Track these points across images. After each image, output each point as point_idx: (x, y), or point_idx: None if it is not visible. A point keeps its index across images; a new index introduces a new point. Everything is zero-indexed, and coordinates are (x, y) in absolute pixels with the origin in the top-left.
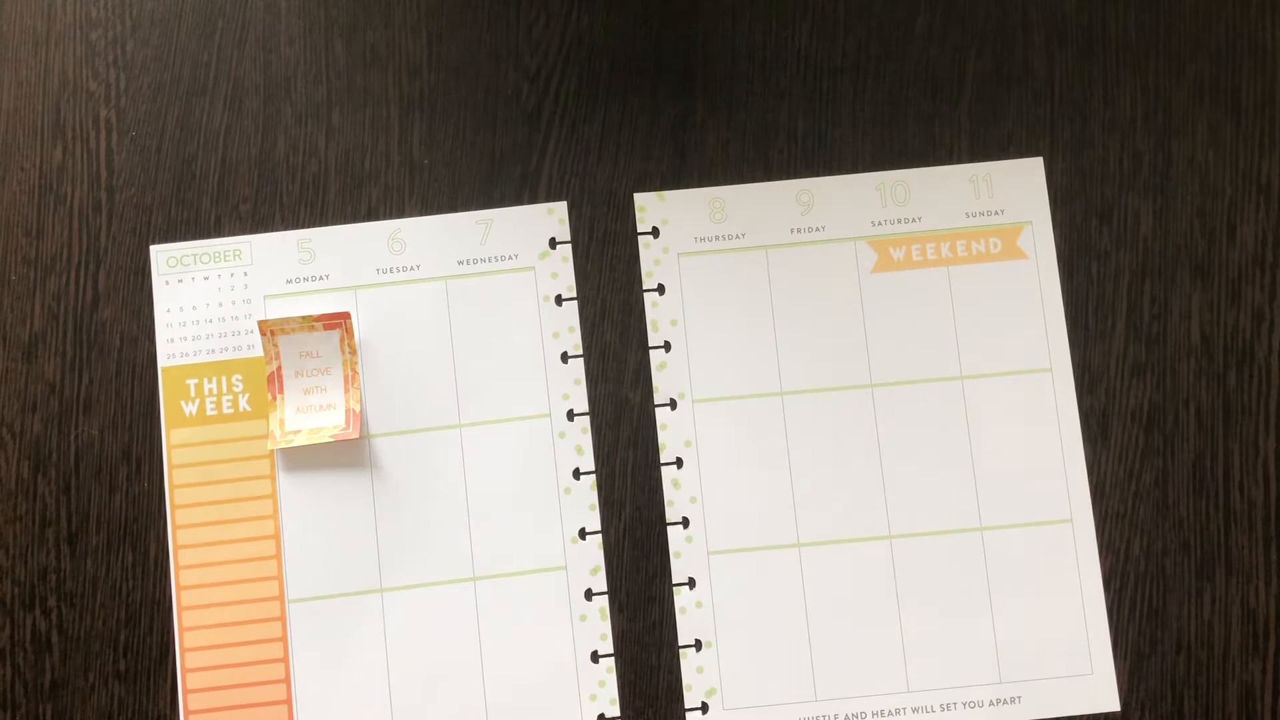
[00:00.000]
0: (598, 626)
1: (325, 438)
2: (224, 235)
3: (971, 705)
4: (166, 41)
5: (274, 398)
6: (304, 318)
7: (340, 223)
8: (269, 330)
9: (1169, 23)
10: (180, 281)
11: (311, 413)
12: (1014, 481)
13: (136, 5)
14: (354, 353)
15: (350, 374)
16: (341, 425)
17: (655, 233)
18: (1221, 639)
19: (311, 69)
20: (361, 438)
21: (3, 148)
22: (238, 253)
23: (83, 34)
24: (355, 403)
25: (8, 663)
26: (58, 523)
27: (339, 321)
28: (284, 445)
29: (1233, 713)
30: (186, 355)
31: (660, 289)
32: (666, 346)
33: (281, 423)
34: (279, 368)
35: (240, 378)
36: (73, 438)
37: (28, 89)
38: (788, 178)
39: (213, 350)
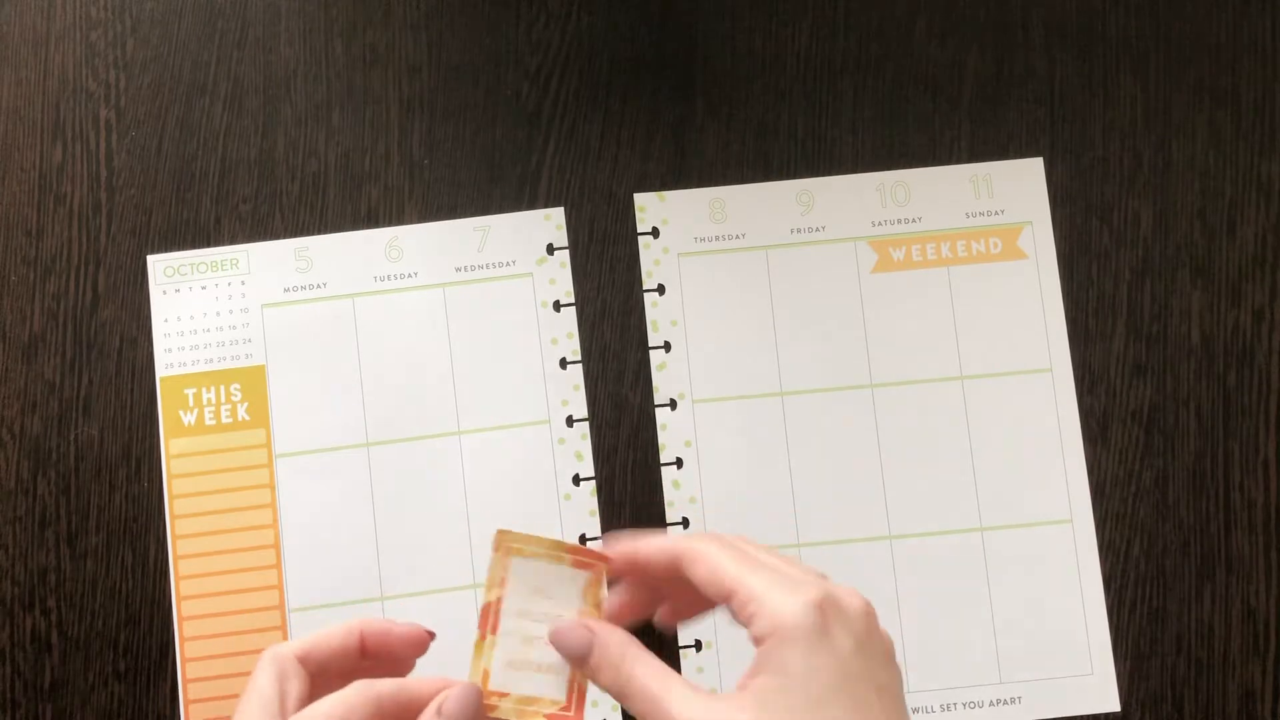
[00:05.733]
0: None
1: (537, 716)
2: (224, 235)
3: (971, 705)
4: (166, 41)
5: (483, 637)
6: (554, 543)
7: (340, 223)
8: (504, 545)
9: (1169, 23)
10: (178, 291)
11: (526, 672)
12: (1014, 481)
13: (136, 5)
14: (599, 608)
15: None
16: (561, 702)
17: (655, 233)
18: (1221, 639)
19: (311, 69)
20: (362, 445)
21: (3, 148)
22: (235, 261)
23: (83, 34)
24: (585, 677)
25: (8, 663)
26: (57, 523)
27: (592, 563)
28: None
29: (1233, 713)
30: (185, 365)
31: (660, 289)
32: (666, 347)
33: (486, 675)
34: (499, 599)
35: (239, 386)
36: (72, 438)
37: (28, 89)
38: (788, 178)
39: (211, 360)
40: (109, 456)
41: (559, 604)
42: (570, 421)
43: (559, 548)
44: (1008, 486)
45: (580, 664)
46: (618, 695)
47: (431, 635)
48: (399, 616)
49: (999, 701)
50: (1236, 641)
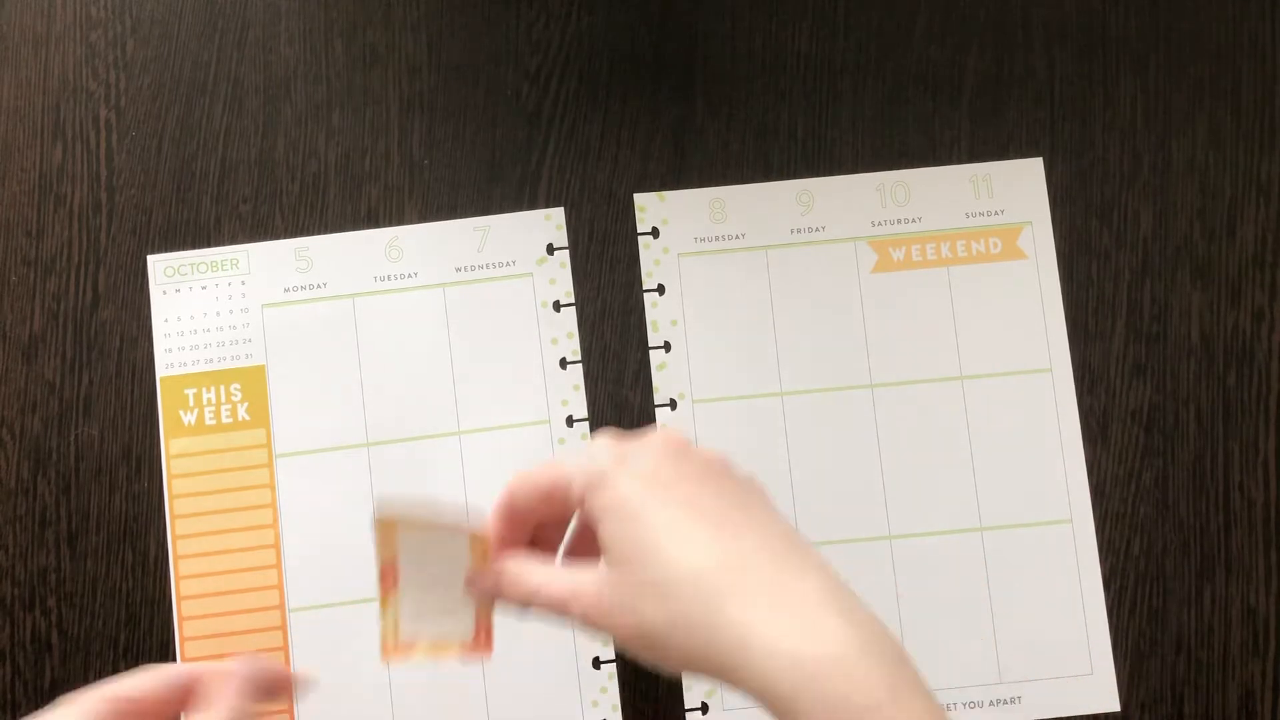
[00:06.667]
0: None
1: (451, 654)
2: (224, 235)
3: (971, 705)
4: (166, 41)
5: (386, 594)
6: (429, 519)
7: (340, 223)
8: (386, 520)
9: (1169, 23)
10: (178, 291)
11: (432, 619)
12: (1014, 481)
13: (136, 5)
14: (485, 554)
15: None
16: (469, 640)
17: (655, 233)
18: (1221, 639)
19: (311, 69)
20: (363, 445)
21: (3, 148)
22: (235, 261)
23: (83, 34)
24: (488, 612)
25: (8, 663)
26: (58, 523)
27: (473, 527)
28: (399, 659)
29: (1233, 713)
30: (185, 365)
31: (660, 289)
32: (666, 347)
33: (396, 627)
34: (394, 557)
35: (239, 386)
36: (73, 438)
37: (28, 89)
38: (788, 178)
39: (211, 360)
40: (109, 456)
41: (451, 550)
42: (570, 421)
43: (433, 523)
44: (1008, 486)
45: (499, 595)
46: (529, 603)
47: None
48: None
49: (999, 701)
50: (1236, 641)
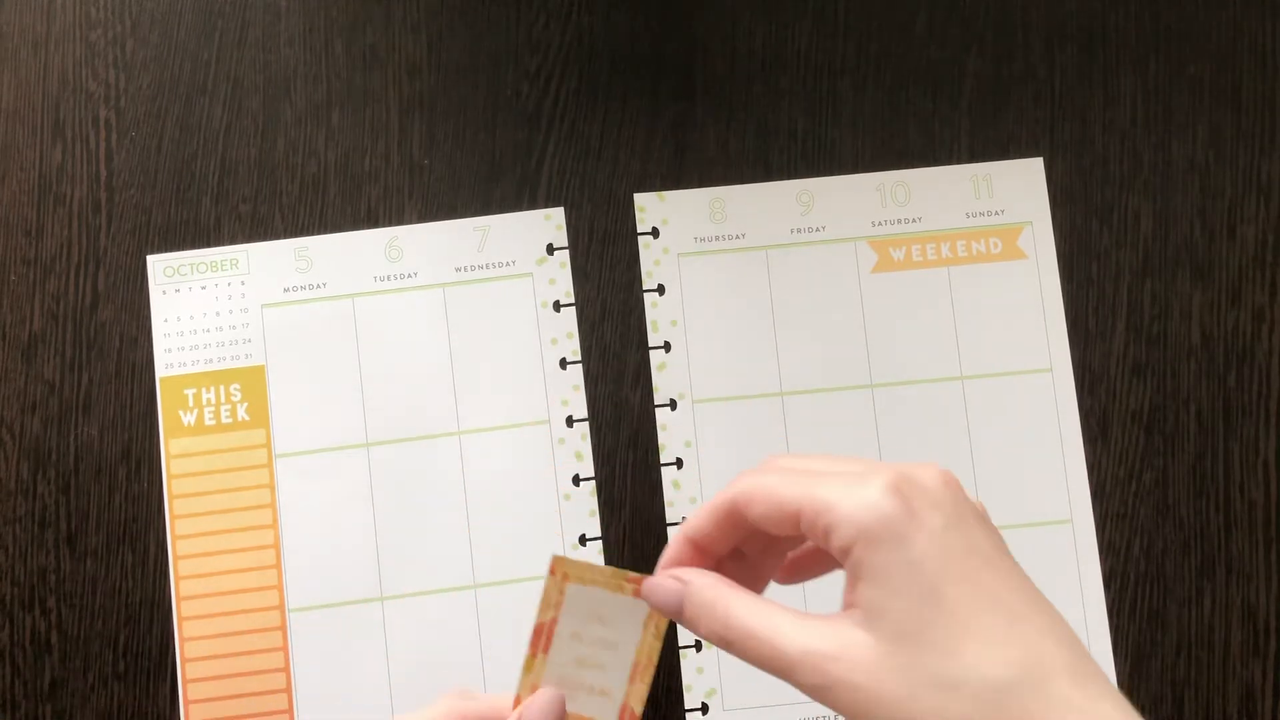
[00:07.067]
0: None
1: None
2: (224, 235)
3: None
4: (166, 41)
5: (534, 655)
6: (615, 572)
7: (340, 224)
8: (561, 571)
9: (1169, 23)
10: (178, 291)
11: (577, 695)
12: (1014, 481)
13: (136, 5)
14: (659, 639)
15: (644, 663)
16: None
17: (655, 233)
18: (1221, 640)
19: (311, 69)
20: (362, 445)
21: (3, 148)
22: (234, 262)
23: (83, 34)
24: (639, 702)
25: (7, 663)
26: (57, 523)
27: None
28: None
29: (1233, 713)
30: (185, 365)
31: (660, 289)
32: (666, 347)
33: (533, 689)
34: (554, 620)
35: (239, 387)
36: (72, 438)
37: (28, 89)
38: (788, 178)
39: (210, 360)
40: (109, 456)
41: (618, 630)
42: (570, 421)
43: (619, 577)
44: (1008, 486)
45: (676, 617)
46: (721, 643)
47: None
48: (399, 616)
49: None
50: (1236, 641)
